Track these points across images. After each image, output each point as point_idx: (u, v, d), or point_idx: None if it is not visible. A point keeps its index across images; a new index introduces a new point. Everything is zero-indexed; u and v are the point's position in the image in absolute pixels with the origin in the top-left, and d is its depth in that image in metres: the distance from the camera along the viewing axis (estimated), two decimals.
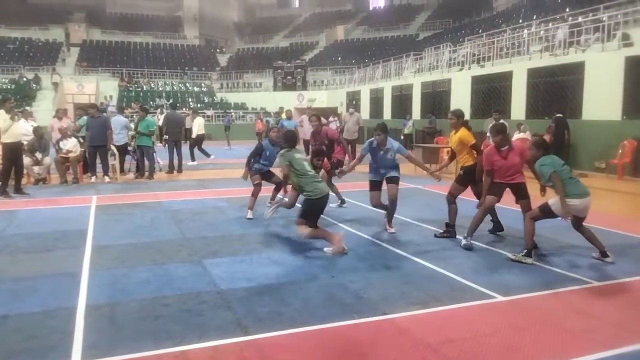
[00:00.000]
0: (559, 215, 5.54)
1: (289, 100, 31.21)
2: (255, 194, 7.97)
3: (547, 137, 14.17)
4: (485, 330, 3.81)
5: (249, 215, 7.84)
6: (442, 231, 6.76)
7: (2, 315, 4.03)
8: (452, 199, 6.70)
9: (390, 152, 6.82)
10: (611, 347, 3.51)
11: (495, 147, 6.09)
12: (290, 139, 6.19)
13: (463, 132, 6.59)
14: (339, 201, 8.79)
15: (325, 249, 5.90)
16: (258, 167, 8.03)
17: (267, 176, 8.26)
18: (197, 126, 17.20)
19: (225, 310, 4.15)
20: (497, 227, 6.83)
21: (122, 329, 3.79)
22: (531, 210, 5.86)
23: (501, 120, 10.87)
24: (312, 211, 5.85)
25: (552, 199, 5.66)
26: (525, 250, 5.55)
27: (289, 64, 37.04)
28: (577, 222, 5.68)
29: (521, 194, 6.24)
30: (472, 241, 6.15)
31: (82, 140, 12.25)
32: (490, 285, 4.71)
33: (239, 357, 3.37)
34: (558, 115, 13.42)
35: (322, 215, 6.32)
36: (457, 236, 6.53)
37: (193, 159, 16.27)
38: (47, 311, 4.13)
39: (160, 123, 17.03)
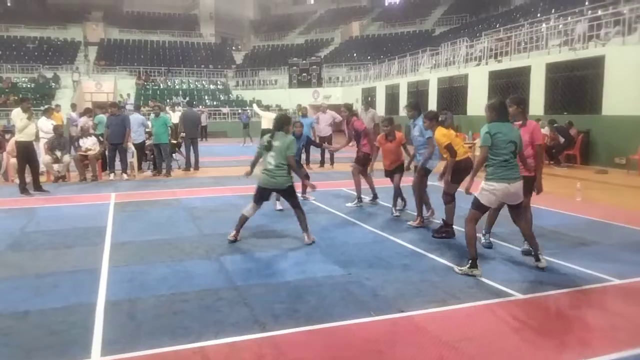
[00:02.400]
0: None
1: (304, 97, 31.20)
2: None
3: (573, 132, 13.98)
4: (504, 328, 3.78)
5: (278, 206, 8.14)
6: (438, 230, 6.54)
7: (23, 311, 4.10)
8: (448, 198, 6.46)
9: (417, 128, 7.01)
10: (634, 345, 3.45)
11: None
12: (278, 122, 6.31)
13: (438, 132, 6.44)
14: (372, 196, 8.74)
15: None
16: None
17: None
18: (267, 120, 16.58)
19: (242, 307, 4.17)
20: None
21: (140, 325, 3.83)
22: (469, 213, 5.13)
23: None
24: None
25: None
26: (470, 261, 4.95)
27: (304, 61, 37.02)
28: (511, 211, 5.16)
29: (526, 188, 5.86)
30: (490, 238, 6.06)
31: (101, 139, 12.40)
32: (508, 283, 4.66)
33: (256, 353, 3.38)
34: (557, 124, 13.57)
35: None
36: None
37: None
38: (67, 307, 4.19)
39: (173, 121, 17.09)
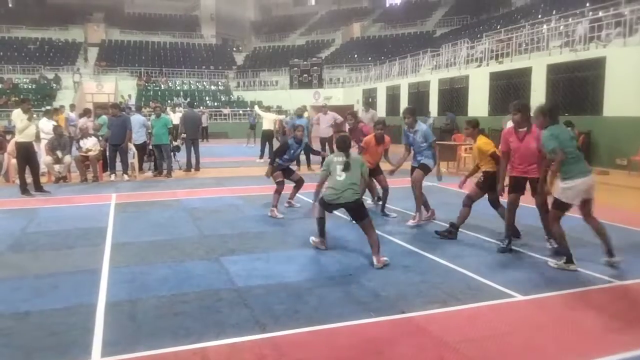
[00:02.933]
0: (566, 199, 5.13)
1: (305, 98, 31.23)
2: (278, 192, 7.99)
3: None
4: (505, 330, 3.77)
5: (276, 213, 7.77)
6: (444, 230, 6.57)
7: (24, 312, 4.09)
8: (469, 202, 6.47)
9: (419, 134, 7.14)
10: (634, 347, 3.44)
11: (514, 128, 5.80)
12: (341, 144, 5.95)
13: (480, 141, 6.42)
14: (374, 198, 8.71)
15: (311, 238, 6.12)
16: (279, 162, 8.07)
17: (288, 173, 8.31)
18: (270, 122, 16.55)
19: (242, 308, 4.17)
20: (514, 232, 6.36)
21: (141, 326, 3.83)
22: (550, 213, 5.37)
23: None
24: (323, 206, 5.83)
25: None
26: (565, 257, 5.14)
27: (305, 62, 37.05)
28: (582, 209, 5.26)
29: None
30: (504, 242, 5.91)
31: (101, 139, 12.41)
32: (509, 284, 4.66)
33: (257, 354, 3.38)
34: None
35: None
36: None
37: (262, 157, 16.20)
38: (68, 308, 4.19)
39: (173, 122, 17.10)
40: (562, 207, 5.15)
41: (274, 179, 8.06)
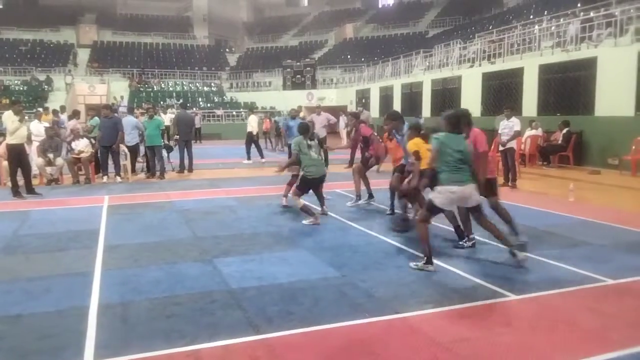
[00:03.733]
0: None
1: (299, 99, 31.21)
2: (291, 184, 8.26)
3: (557, 135, 14.10)
4: (498, 329, 3.78)
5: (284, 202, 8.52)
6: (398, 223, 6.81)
7: (16, 315, 4.06)
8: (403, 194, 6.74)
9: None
10: (627, 346, 3.46)
11: None
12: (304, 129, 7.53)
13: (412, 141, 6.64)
14: (368, 196, 8.76)
15: (303, 222, 7.19)
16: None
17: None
18: (254, 124, 17.20)
19: (236, 310, 4.15)
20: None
21: (134, 328, 3.81)
22: (420, 213, 5.48)
23: (513, 117, 10.75)
24: (306, 186, 7.18)
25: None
26: (425, 258, 5.18)
27: (298, 63, 37.05)
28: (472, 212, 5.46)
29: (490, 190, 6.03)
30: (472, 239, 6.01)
31: (93, 141, 12.34)
32: (502, 284, 4.67)
33: (250, 356, 3.37)
34: None
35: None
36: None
37: (249, 158, 16.57)
38: (60, 310, 4.16)
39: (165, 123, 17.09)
40: (432, 209, 5.25)
41: (291, 172, 8.39)
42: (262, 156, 16.69)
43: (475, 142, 5.74)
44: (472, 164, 5.26)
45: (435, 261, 5.44)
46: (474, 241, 6.02)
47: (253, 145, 16.84)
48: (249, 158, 16.62)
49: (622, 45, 13.59)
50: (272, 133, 23.08)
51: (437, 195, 5.16)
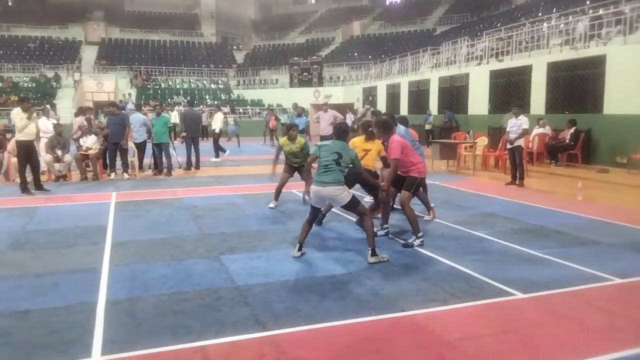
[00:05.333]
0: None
1: (305, 96, 31.23)
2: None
3: (565, 134, 14.01)
4: (505, 328, 3.77)
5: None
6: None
7: (24, 310, 4.10)
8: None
9: None
10: (634, 345, 3.44)
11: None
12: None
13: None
14: None
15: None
16: None
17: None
18: (218, 122, 17.27)
19: (242, 306, 4.17)
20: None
21: (141, 324, 3.83)
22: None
23: (521, 115, 10.67)
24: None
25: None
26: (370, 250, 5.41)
27: (305, 60, 37.01)
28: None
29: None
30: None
31: (101, 138, 12.40)
32: (508, 282, 4.66)
33: (257, 352, 3.38)
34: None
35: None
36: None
37: (217, 156, 16.45)
38: (68, 306, 4.19)
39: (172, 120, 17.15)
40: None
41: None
42: (216, 155, 16.42)
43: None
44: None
45: (442, 259, 5.45)
46: (386, 230, 6.50)
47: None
48: (217, 156, 16.42)
49: (631, 43, 13.48)
50: (279, 131, 23.02)
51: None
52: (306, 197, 8.70)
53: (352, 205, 5.56)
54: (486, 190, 10.04)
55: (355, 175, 6.15)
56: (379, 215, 6.80)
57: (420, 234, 6.02)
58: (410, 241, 6.00)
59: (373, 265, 5.25)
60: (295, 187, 9.32)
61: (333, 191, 5.42)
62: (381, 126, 6.37)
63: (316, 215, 5.88)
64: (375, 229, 5.86)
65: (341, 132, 5.85)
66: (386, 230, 6.50)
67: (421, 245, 5.92)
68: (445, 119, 20.40)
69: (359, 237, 6.41)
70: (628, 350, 3.38)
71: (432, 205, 7.53)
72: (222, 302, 4.25)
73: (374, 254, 5.36)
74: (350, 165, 5.65)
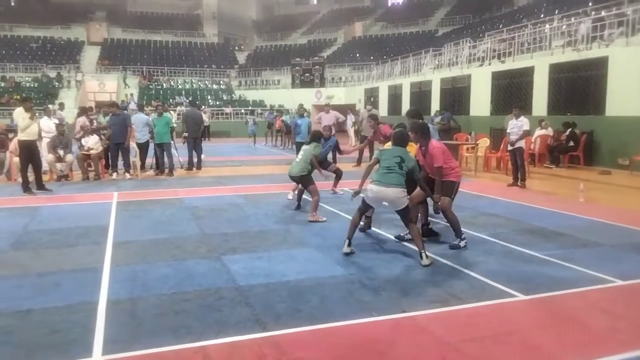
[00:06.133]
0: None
1: (307, 97, 31.23)
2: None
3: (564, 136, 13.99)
4: (507, 329, 3.76)
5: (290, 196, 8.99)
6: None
7: (26, 310, 4.10)
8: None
9: None
10: (636, 347, 3.43)
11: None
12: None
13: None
14: None
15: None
16: None
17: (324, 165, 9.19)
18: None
19: (243, 307, 4.16)
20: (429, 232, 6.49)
21: (142, 324, 3.83)
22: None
23: (521, 117, 10.67)
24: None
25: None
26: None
27: (307, 61, 37.05)
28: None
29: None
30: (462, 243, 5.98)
31: (103, 138, 12.42)
32: (511, 284, 4.65)
33: (257, 353, 3.37)
34: None
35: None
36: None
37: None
38: (69, 306, 4.19)
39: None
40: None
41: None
42: None
43: None
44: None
45: (443, 260, 5.44)
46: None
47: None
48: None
49: (633, 45, 13.47)
50: (283, 131, 23.01)
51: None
52: (337, 191, 9.59)
53: (407, 212, 5.53)
54: (488, 192, 10.02)
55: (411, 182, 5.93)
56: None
57: (463, 236, 5.98)
58: (455, 243, 5.94)
59: (374, 266, 5.24)
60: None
61: (397, 193, 5.41)
62: (419, 131, 6.03)
63: (366, 210, 5.90)
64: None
65: (401, 140, 5.77)
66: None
67: (465, 246, 5.89)
68: (444, 120, 20.37)
69: (360, 238, 6.40)
70: (630, 353, 3.37)
71: None
72: (223, 303, 4.25)
73: (424, 256, 5.31)
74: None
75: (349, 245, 5.68)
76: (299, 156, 7.91)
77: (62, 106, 19.47)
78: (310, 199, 7.66)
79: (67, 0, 46.24)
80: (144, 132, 12.72)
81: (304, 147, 8.01)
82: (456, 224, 5.97)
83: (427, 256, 5.30)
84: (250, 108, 33.48)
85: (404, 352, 3.40)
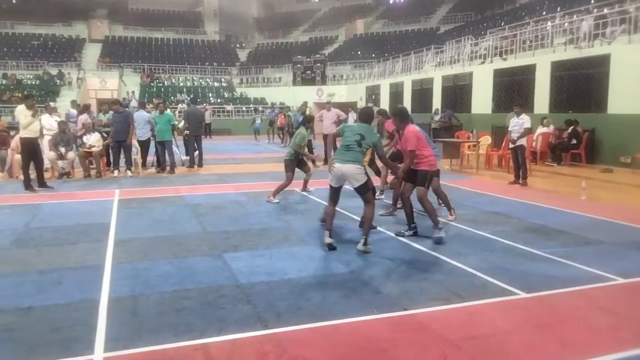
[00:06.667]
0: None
1: (309, 94, 31.20)
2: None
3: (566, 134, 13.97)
4: (508, 327, 3.76)
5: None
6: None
7: (27, 307, 4.10)
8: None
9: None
10: (638, 346, 3.43)
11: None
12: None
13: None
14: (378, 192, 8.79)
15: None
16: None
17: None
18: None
19: (245, 304, 4.17)
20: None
21: (143, 322, 3.83)
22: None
23: (523, 114, 10.63)
24: None
25: None
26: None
27: (308, 59, 36.96)
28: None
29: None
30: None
31: (105, 135, 12.42)
32: (512, 282, 4.64)
33: (259, 351, 3.37)
34: None
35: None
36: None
37: (187, 154, 16.16)
38: (70, 303, 4.20)
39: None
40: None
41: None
42: (187, 153, 15.50)
43: None
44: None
45: (445, 258, 5.44)
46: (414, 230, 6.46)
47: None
48: (187, 154, 15.92)
49: (636, 42, 13.44)
50: (285, 129, 22.96)
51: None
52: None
53: (365, 189, 5.72)
54: (489, 190, 10.01)
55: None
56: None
57: (440, 226, 6.12)
58: (437, 236, 6.03)
59: (376, 263, 5.24)
60: (298, 186, 9.34)
61: (352, 169, 5.63)
62: (398, 114, 6.43)
63: (336, 197, 5.98)
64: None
65: (366, 116, 6.08)
66: (414, 231, 6.39)
67: (445, 237, 6.04)
68: (445, 118, 20.33)
69: (360, 236, 6.40)
70: (632, 351, 3.36)
71: (452, 206, 7.48)
72: (224, 300, 4.25)
73: (365, 243, 5.58)
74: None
75: (330, 236, 5.78)
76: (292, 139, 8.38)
77: (73, 103, 19.49)
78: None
79: None
80: (145, 129, 12.71)
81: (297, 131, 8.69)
82: (432, 213, 6.16)
83: (366, 244, 5.61)
84: (252, 106, 33.43)
85: (404, 350, 3.40)
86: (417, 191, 6.17)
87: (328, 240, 5.73)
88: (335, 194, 5.93)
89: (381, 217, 7.38)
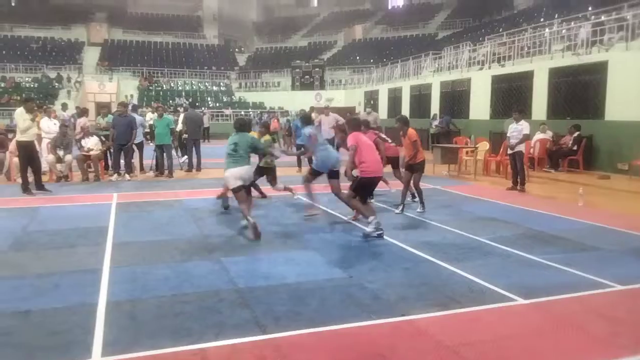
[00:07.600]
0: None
1: (307, 99, 31.23)
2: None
3: (567, 139, 14.00)
4: (506, 333, 3.76)
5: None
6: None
7: (25, 311, 4.09)
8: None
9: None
10: (636, 352, 3.44)
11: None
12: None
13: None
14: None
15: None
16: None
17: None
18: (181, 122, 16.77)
19: (243, 309, 4.16)
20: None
21: (141, 326, 3.83)
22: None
23: (522, 120, 10.67)
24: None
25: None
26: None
27: (307, 64, 37.07)
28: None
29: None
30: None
31: (103, 139, 12.40)
32: (510, 288, 4.65)
33: (257, 356, 3.37)
34: None
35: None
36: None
37: (184, 154, 16.06)
38: (68, 307, 4.19)
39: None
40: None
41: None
42: (183, 154, 14.99)
43: None
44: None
45: (443, 264, 5.45)
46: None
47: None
48: (183, 154, 15.05)
49: (633, 49, 13.49)
50: (281, 133, 22.96)
51: None
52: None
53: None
54: (487, 195, 10.03)
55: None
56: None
57: (370, 219, 6.56)
58: (368, 230, 6.55)
59: (374, 269, 5.25)
60: (298, 190, 9.33)
61: (243, 171, 6.76)
62: (351, 124, 7.35)
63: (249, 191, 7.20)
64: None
65: (239, 126, 7.44)
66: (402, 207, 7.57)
67: (378, 227, 6.49)
68: (442, 124, 20.37)
69: (359, 241, 6.42)
70: (629, 357, 3.37)
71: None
72: (222, 305, 4.25)
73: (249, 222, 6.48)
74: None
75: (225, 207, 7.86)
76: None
77: (65, 106, 19.46)
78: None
79: (68, 1, 46.30)
80: (138, 132, 12.66)
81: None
82: (352, 207, 6.98)
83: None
84: (250, 110, 33.47)
85: (403, 356, 3.40)
86: (331, 183, 7.58)
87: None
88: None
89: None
